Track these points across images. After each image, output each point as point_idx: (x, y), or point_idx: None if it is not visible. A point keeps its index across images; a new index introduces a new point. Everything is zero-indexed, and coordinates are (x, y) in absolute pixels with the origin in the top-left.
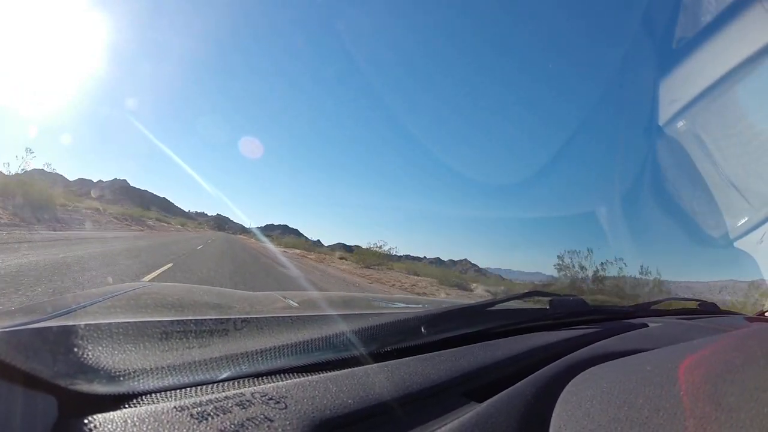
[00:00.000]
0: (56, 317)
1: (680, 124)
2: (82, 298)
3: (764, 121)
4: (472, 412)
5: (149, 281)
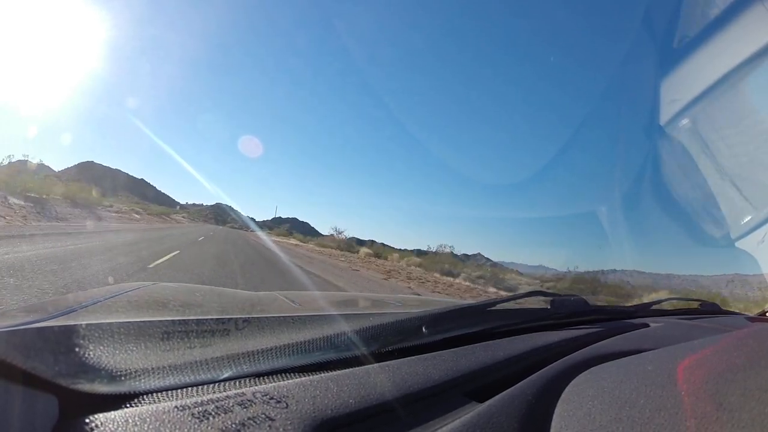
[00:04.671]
0: (57, 317)
1: (681, 123)
2: (83, 297)
3: (766, 120)
4: (473, 412)
5: None
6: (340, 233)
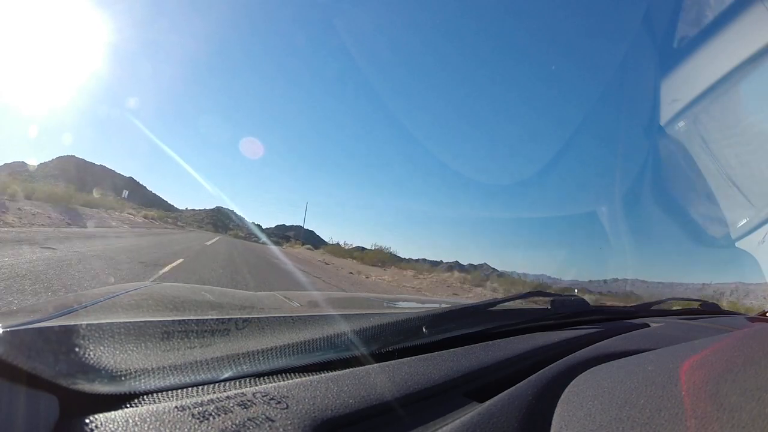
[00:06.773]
0: (58, 317)
1: (681, 123)
2: (83, 297)
3: (766, 120)
4: (473, 412)
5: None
6: None
